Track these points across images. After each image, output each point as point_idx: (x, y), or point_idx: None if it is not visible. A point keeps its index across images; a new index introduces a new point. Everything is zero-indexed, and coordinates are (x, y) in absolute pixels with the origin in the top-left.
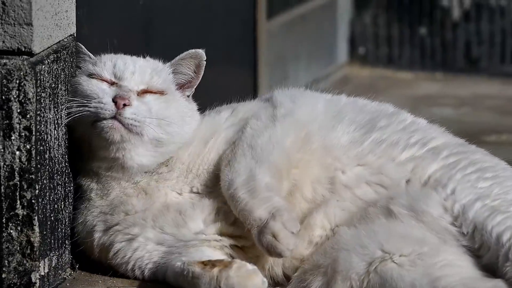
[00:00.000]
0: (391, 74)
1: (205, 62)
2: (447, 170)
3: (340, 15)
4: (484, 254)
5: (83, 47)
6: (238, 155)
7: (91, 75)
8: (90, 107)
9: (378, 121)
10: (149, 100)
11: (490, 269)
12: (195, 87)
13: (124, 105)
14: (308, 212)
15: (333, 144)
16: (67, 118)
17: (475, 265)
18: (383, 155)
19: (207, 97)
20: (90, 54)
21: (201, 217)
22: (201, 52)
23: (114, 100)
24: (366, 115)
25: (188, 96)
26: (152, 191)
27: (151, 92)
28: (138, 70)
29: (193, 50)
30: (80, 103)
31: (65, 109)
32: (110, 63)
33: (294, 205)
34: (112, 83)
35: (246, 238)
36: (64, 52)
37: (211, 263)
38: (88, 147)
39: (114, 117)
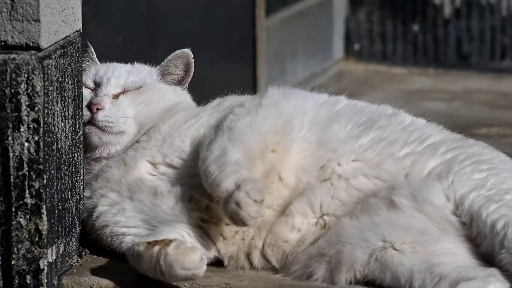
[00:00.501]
0: (385, 69)
1: (193, 59)
2: (446, 165)
3: (336, 12)
4: (482, 243)
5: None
6: (218, 136)
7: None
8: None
9: (377, 121)
10: (121, 100)
11: (489, 258)
12: (187, 83)
13: (98, 109)
14: (290, 199)
15: (329, 138)
16: None
17: (473, 255)
18: (382, 152)
19: (207, 92)
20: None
21: (174, 201)
22: (187, 51)
23: (89, 106)
24: (364, 116)
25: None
26: (130, 160)
27: (128, 91)
28: (114, 75)
29: (179, 51)
30: None
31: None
32: (93, 71)
33: (272, 189)
34: (93, 90)
35: (219, 218)
36: (71, 47)
37: (154, 242)
38: None
39: (90, 122)
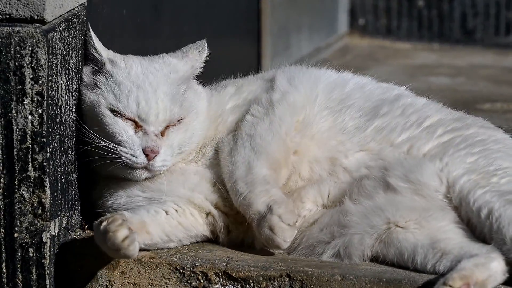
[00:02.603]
0: (389, 44)
1: (207, 49)
2: (442, 148)
3: None
4: (474, 230)
5: (92, 36)
6: (239, 145)
7: (113, 111)
8: (122, 155)
9: (381, 108)
10: (171, 138)
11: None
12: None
13: (155, 156)
14: (302, 187)
15: (340, 128)
16: (89, 145)
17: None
18: (382, 141)
19: (213, 66)
20: (97, 47)
21: (197, 178)
22: (204, 42)
23: (145, 153)
24: (371, 103)
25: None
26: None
27: (172, 125)
28: (161, 109)
29: (199, 42)
30: (111, 148)
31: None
32: (133, 101)
33: (290, 184)
34: (136, 124)
35: (229, 213)
36: (75, 20)
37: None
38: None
39: (145, 167)
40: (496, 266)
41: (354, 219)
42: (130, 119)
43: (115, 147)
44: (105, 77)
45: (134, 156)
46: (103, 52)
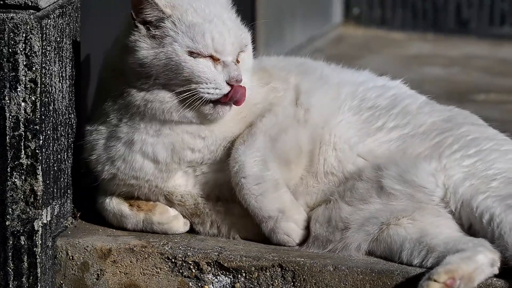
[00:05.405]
0: (384, 34)
1: None
2: (435, 148)
3: None
4: (477, 234)
5: None
6: (258, 141)
7: (192, 53)
8: (208, 92)
9: (378, 120)
10: (246, 62)
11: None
12: None
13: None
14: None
15: (343, 140)
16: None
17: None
18: (380, 146)
19: None
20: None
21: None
22: None
23: (230, 83)
24: (375, 111)
25: None
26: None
27: (241, 51)
28: (233, 38)
29: None
30: (191, 91)
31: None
32: (208, 37)
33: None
34: (214, 58)
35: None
36: (69, 7)
37: (137, 205)
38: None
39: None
40: (483, 258)
41: (352, 233)
42: (209, 56)
43: (202, 84)
44: (173, 23)
45: (218, 89)
46: (160, 2)
